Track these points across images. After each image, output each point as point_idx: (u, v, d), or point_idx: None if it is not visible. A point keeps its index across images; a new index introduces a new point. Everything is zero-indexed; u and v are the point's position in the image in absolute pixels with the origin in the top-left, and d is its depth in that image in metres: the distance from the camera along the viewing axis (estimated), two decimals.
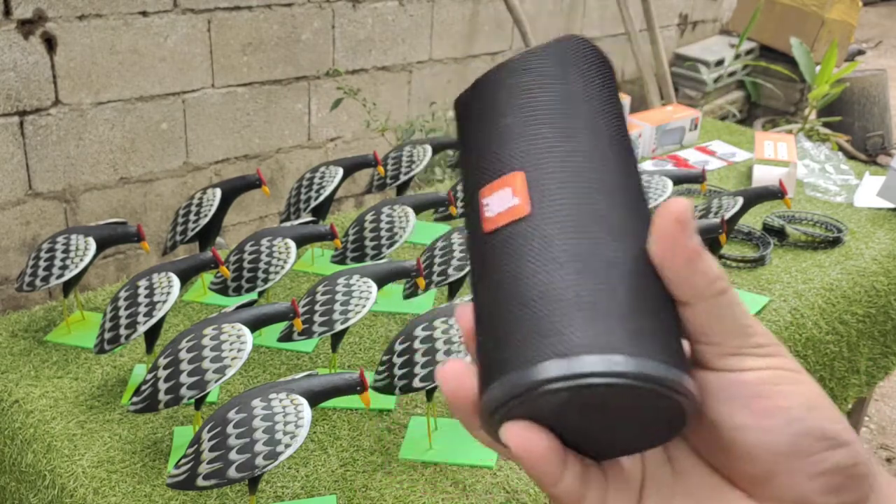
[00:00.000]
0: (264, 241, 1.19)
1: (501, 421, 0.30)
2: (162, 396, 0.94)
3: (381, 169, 1.45)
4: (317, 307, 1.07)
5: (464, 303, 0.35)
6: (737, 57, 3.99)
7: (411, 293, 1.24)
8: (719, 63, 4.06)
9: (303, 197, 1.40)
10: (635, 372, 0.28)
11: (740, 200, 1.37)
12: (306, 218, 1.35)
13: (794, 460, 0.31)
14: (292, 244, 1.18)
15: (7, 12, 2.04)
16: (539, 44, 0.34)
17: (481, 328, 0.32)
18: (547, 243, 0.30)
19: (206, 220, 1.28)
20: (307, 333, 1.07)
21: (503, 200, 0.31)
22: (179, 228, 1.30)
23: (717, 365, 0.32)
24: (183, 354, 0.94)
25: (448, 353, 0.96)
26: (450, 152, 1.69)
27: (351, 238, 1.31)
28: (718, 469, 0.33)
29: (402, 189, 1.51)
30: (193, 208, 1.30)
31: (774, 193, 1.39)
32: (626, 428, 0.31)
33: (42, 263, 1.16)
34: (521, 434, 0.29)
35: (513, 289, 0.30)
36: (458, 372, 0.32)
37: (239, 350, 0.93)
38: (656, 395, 0.29)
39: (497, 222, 0.31)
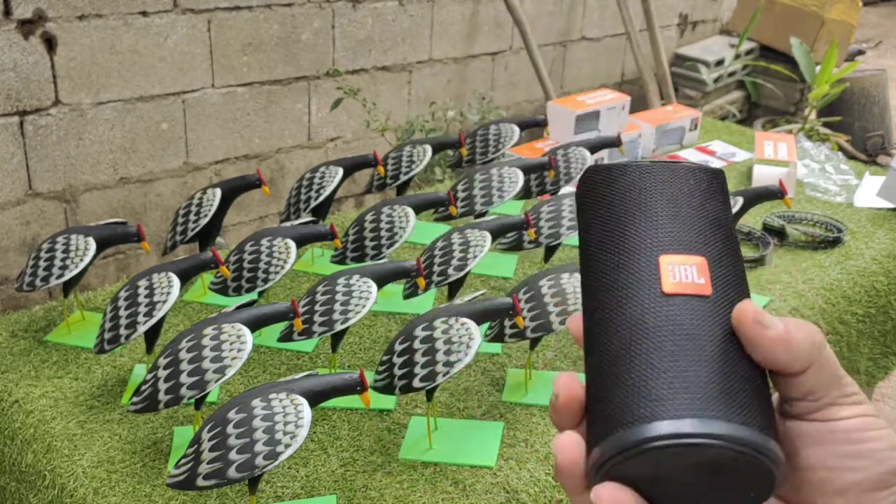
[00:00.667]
0: (264, 241, 1.19)
1: (604, 476, 0.34)
2: (162, 396, 0.94)
3: (381, 169, 1.45)
4: (317, 307, 1.07)
5: (576, 314, 0.41)
6: (737, 57, 3.99)
7: (411, 293, 1.24)
8: (719, 63, 4.06)
9: (303, 197, 1.40)
10: (732, 435, 0.32)
11: (740, 200, 1.37)
12: (306, 218, 1.35)
13: (877, 493, 0.36)
14: (292, 244, 1.18)
15: (7, 12, 2.04)
16: (698, 165, 0.42)
17: (604, 370, 0.36)
18: (714, 323, 0.36)
19: (206, 220, 1.28)
20: (307, 333, 1.07)
21: (688, 274, 0.37)
22: (179, 228, 1.30)
23: (815, 417, 0.37)
24: (183, 354, 0.94)
25: (448, 353, 0.96)
26: (450, 152, 1.69)
27: (351, 238, 1.31)
28: None
29: (402, 189, 1.51)
30: (193, 208, 1.30)
31: (774, 193, 1.39)
32: (717, 490, 0.35)
33: (42, 263, 1.16)
34: (611, 493, 0.34)
35: (656, 349, 0.35)
36: (572, 443, 0.36)
37: (239, 350, 0.93)
38: (749, 459, 0.33)
39: (680, 289, 0.37)
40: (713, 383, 0.34)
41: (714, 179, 0.41)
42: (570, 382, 0.37)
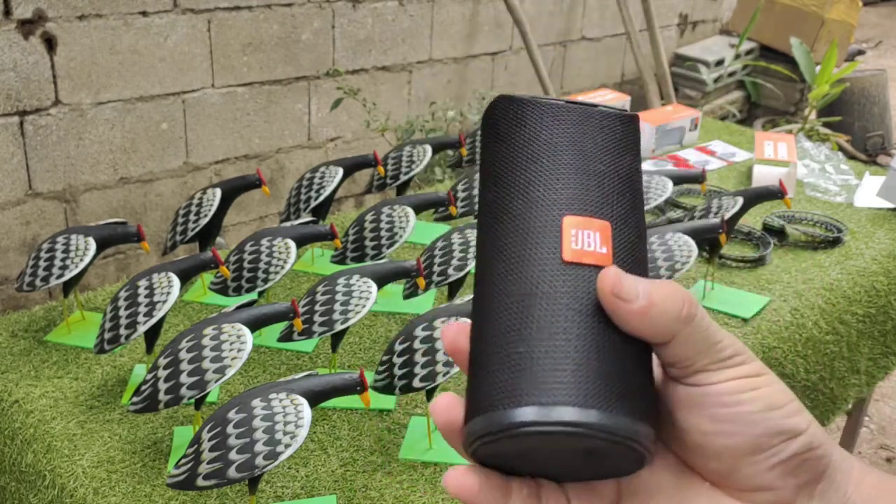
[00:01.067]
0: (264, 241, 1.19)
1: (476, 451, 0.34)
2: (162, 396, 0.94)
3: (381, 169, 1.45)
4: (317, 307, 1.07)
5: (450, 323, 0.39)
6: (737, 57, 3.99)
7: (411, 293, 1.24)
8: (719, 63, 4.06)
9: (303, 197, 1.40)
10: (599, 424, 0.32)
11: (740, 200, 1.37)
12: (306, 218, 1.35)
13: (754, 456, 0.35)
14: (292, 244, 1.18)
15: (7, 12, 2.04)
16: (612, 108, 0.39)
17: (486, 339, 0.35)
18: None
19: (206, 220, 1.28)
20: (307, 333, 1.07)
21: (590, 241, 0.35)
22: (179, 228, 1.30)
23: (688, 381, 0.36)
24: (183, 354, 0.94)
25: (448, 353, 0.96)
26: (450, 152, 1.69)
27: (351, 238, 1.31)
28: (690, 465, 0.38)
29: (402, 189, 1.51)
30: (193, 208, 1.30)
31: (774, 193, 1.39)
32: (589, 464, 0.35)
33: (42, 263, 1.16)
34: (457, 480, 0.35)
35: (538, 325, 0.34)
36: (446, 407, 0.36)
37: (239, 350, 0.93)
38: (618, 445, 0.33)
39: (580, 258, 0.35)
40: (589, 367, 0.33)
41: (629, 128, 0.39)
42: (457, 337, 0.37)
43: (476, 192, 1.41)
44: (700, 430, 0.36)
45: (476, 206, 1.41)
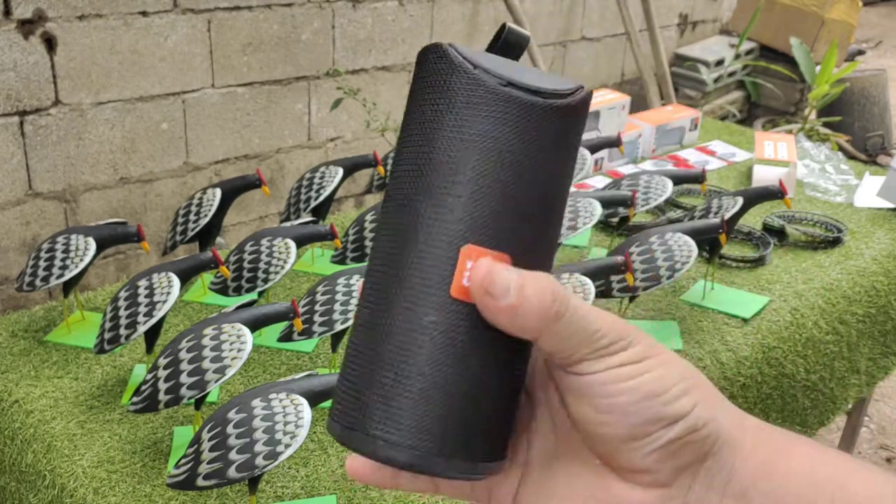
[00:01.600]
0: (264, 241, 1.19)
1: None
2: (162, 396, 0.94)
3: (381, 169, 1.45)
4: (317, 307, 1.07)
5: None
6: (737, 57, 3.99)
7: None
8: (719, 63, 4.06)
9: (303, 197, 1.40)
10: (432, 468, 0.34)
11: (740, 200, 1.37)
12: (306, 218, 1.35)
13: (632, 443, 0.36)
14: (292, 244, 1.18)
15: (7, 12, 2.04)
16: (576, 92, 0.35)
17: (362, 358, 0.35)
18: (484, 339, 0.34)
19: (206, 220, 1.27)
20: (307, 333, 1.07)
21: None
22: (179, 228, 1.30)
23: (570, 370, 0.36)
24: (183, 354, 0.94)
25: None
26: None
27: (351, 238, 1.31)
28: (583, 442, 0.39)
29: None
30: (193, 208, 1.30)
31: (774, 193, 1.39)
32: None
33: (42, 263, 1.16)
34: (353, 463, 0.38)
35: (410, 361, 0.33)
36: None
37: (239, 350, 0.93)
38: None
39: (467, 296, 0.34)
40: (435, 410, 0.33)
41: (571, 123, 0.35)
42: None
43: None
44: (583, 417, 0.36)
45: None
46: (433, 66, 0.34)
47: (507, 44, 0.35)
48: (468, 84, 0.33)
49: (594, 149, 1.59)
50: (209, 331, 0.95)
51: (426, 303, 0.33)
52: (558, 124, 0.34)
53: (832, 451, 0.38)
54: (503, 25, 0.36)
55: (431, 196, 0.33)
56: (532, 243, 0.35)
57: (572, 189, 1.67)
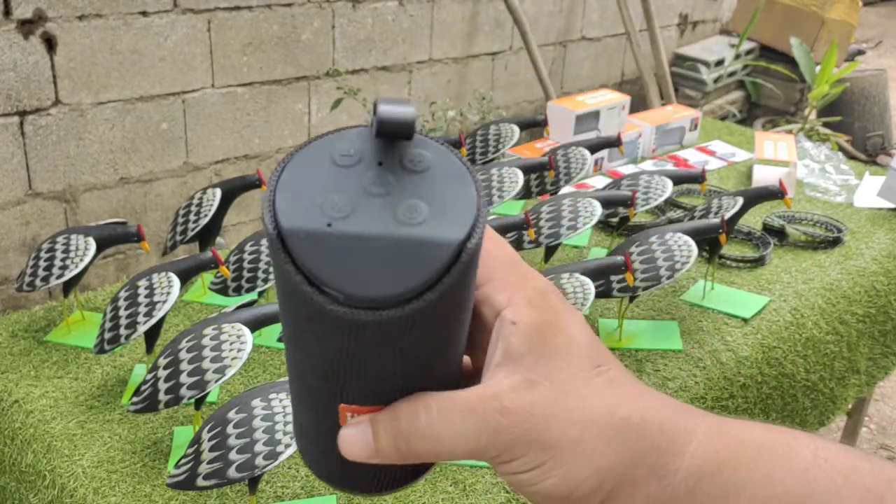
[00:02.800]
0: (264, 241, 1.19)
1: None
2: (162, 396, 0.94)
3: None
4: None
5: None
6: (737, 57, 3.99)
7: None
8: (719, 63, 4.06)
9: None
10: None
11: (740, 200, 1.37)
12: None
13: None
14: None
15: (7, 12, 2.04)
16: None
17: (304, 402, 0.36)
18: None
19: (206, 220, 1.27)
20: None
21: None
22: (179, 228, 1.30)
23: (499, 305, 0.35)
24: (183, 354, 0.94)
25: None
26: None
27: None
28: None
29: None
30: (193, 208, 1.30)
31: (774, 193, 1.39)
32: None
33: (42, 263, 1.16)
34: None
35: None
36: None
37: (239, 350, 0.93)
38: None
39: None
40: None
41: (449, 303, 0.30)
42: None
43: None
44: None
45: None
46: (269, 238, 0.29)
47: (387, 132, 0.30)
48: (302, 298, 0.29)
49: (594, 149, 1.59)
50: (209, 331, 0.95)
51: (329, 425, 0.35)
52: (414, 329, 0.29)
53: (795, 449, 0.36)
54: (374, 104, 0.30)
55: (297, 378, 0.34)
56: (407, 388, 0.33)
57: (572, 189, 1.67)
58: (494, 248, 0.35)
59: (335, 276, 0.27)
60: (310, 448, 0.37)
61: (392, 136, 0.30)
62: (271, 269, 1.17)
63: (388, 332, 0.29)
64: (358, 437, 0.33)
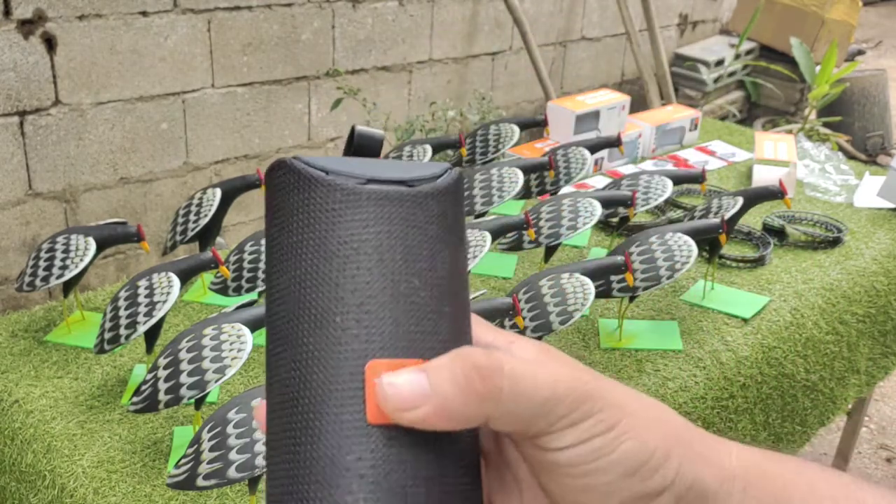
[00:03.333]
0: (264, 242, 1.19)
1: None
2: (162, 396, 0.94)
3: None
4: None
5: (261, 405, 0.32)
6: (737, 57, 3.99)
7: None
8: (719, 63, 4.06)
9: None
10: None
11: (740, 200, 1.37)
12: None
13: None
14: None
15: (7, 12, 2.04)
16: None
17: (282, 451, 0.30)
18: (416, 466, 0.29)
19: (206, 220, 1.27)
20: None
21: None
22: (179, 228, 1.30)
23: (532, 447, 0.31)
24: (183, 354, 0.94)
25: None
26: (449, 152, 1.69)
27: None
28: None
29: None
30: (193, 208, 1.30)
31: (774, 193, 1.39)
32: None
33: (42, 263, 1.16)
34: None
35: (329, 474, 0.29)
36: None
37: (239, 350, 0.93)
38: None
39: (385, 418, 0.29)
40: None
41: (449, 203, 0.32)
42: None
43: (476, 192, 1.41)
44: (558, 495, 0.32)
45: (476, 207, 1.41)
46: (283, 184, 0.31)
47: (360, 147, 0.34)
48: (325, 192, 0.30)
49: (594, 149, 1.59)
50: (209, 331, 0.95)
51: (345, 440, 0.29)
52: (434, 208, 0.31)
53: (831, 471, 0.35)
54: (352, 129, 0.34)
55: (317, 322, 0.30)
56: (442, 334, 0.31)
57: (572, 189, 1.67)
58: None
59: (368, 173, 0.31)
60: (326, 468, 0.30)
61: (367, 148, 0.34)
62: None
63: (413, 210, 0.31)
64: (410, 380, 0.28)
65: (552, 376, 0.30)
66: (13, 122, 2.13)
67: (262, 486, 0.95)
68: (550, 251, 1.37)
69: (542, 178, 1.54)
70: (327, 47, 2.72)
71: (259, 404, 0.32)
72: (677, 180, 1.52)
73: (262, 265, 1.18)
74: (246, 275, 1.18)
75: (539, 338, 1.10)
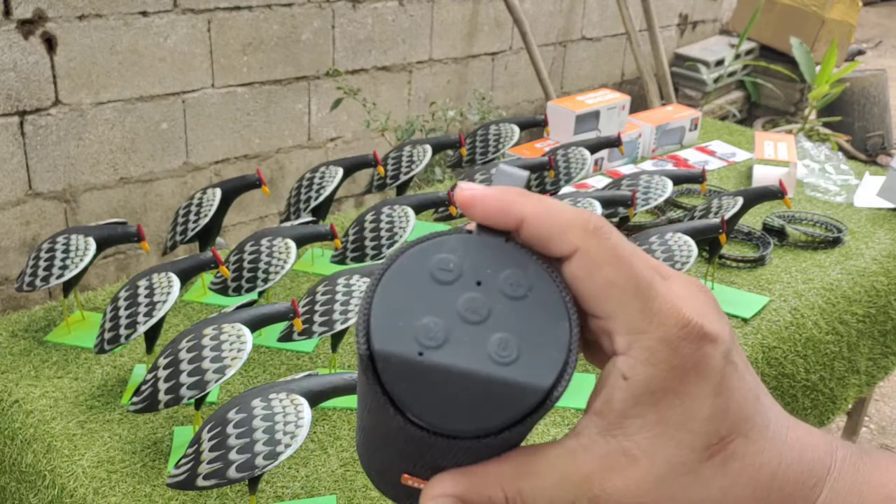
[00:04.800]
0: (264, 241, 1.19)
1: None
2: (162, 396, 0.94)
3: (381, 169, 1.45)
4: (317, 307, 1.07)
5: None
6: (737, 57, 3.99)
7: None
8: (719, 63, 4.06)
9: (303, 197, 1.40)
10: None
11: (740, 200, 1.37)
12: (306, 218, 1.35)
13: None
14: (292, 244, 1.18)
15: (7, 12, 2.04)
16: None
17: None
18: None
19: (206, 220, 1.27)
20: (307, 333, 1.07)
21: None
22: (179, 228, 1.30)
23: (617, 349, 0.30)
24: (183, 354, 0.94)
25: None
26: (449, 152, 1.69)
27: (351, 238, 1.31)
28: None
29: (402, 189, 1.51)
30: (193, 208, 1.30)
31: (774, 193, 1.39)
32: None
33: (42, 263, 1.16)
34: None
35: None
36: None
37: (239, 350, 0.93)
38: None
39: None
40: None
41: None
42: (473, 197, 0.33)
43: None
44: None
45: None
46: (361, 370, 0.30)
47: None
48: (384, 415, 0.30)
49: (594, 149, 1.58)
50: (209, 331, 0.95)
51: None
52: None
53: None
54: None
55: (365, 437, 0.34)
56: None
57: (572, 189, 1.67)
58: (616, 273, 0.29)
59: (418, 405, 0.28)
60: (375, 476, 0.35)
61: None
62: (271, 269, 1.17)
63: (460, 452, 0.30)
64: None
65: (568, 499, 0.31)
66: (13, 122, 2.13)
67: (262, 486, 0.95)
68: None
69: (543, 178, 1.54)
70: (327, 47, 2.72)
71: None
72: (677, 180, 1.52)
73: (262, 265, 1.18)
74: (246, 275, 1.18)
75: None
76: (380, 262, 1.18)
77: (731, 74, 4.13)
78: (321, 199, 1.38)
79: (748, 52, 4.16)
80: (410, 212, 1.29)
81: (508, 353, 0.28)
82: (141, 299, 1.06)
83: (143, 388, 0.96)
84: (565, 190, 1.56)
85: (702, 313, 0.30)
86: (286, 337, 1.10)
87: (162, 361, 0.95)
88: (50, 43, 2.13)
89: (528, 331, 0.29)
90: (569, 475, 0.30)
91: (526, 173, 0.32)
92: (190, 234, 1.28)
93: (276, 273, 1.17)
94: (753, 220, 1.64)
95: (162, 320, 1.07)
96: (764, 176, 1.80)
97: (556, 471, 0.30)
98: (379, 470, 0.34)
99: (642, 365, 0.29)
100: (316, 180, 1.40)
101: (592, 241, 0.29)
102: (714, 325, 0.30)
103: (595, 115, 1.89)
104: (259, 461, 0.83)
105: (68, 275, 1.14)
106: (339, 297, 1.07)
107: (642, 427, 0.29)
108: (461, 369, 0.28)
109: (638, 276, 0.29)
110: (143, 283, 1.07)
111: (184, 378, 0.93)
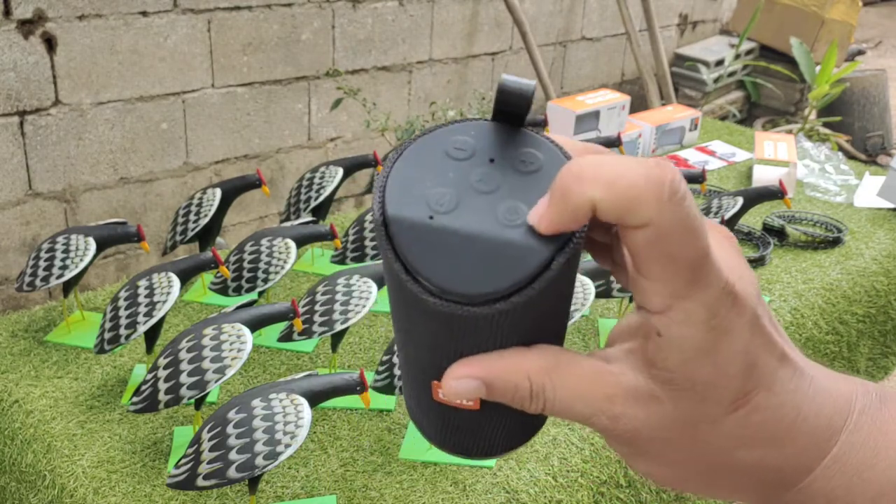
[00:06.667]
0: (264, 241, 1.19)
1: None
2: (162, 396, 0.94)
3: (381, 169, 1.45)
4: (317, 307, 1.07)
5: None
6: (737, 57, 3.99)
7: None
8: (719, 63, 4.06)
9: (303, 197, 1.40)
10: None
11: (740, 200, 1.37)
12: (306, 218, 1.35)
13: None
14: (292, 244, 1.18)
15: (7, 12, 2.04)
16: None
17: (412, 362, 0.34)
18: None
19: (206, 220, 1.28)
20: (307, 333, 1.07)
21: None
22: (179, 228, 1.30)
23: (652, 307, 0.29)
24: (183, 354, 0.94)
25: None
26: None
27: (351, 238, 1.31)
28: None
29: None
30: (193, 208, 1.30)
31: (774, 193, 1.39)
32: None
33: (42, 263, 1.16)
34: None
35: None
36: None
37: (239, 350, 0.93)
38: None
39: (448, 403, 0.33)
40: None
41: (532, 305, 0.29)
42: None
43: None
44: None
45: None
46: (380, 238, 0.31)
47: (505, 104, 0.32)
48: (400, 283, 0.30)
49: None
50: (209, 331, 0.95)
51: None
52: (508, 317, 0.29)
53: None
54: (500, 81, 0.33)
55: (401, 344, 0.34)
56: None
57: None
58: (680, 249, 0.28)
59: (429, 267, 0.29)
60: (415, 411, 0.36)
61: (508, 110, 0.32)
62: (271, 269, 1.17)
63: (476, 325, 0.29)
64: (464, 377, 0.30)
65: (589, 410, 0.31)
66: (13, 122, 2.13)
67: (262, 486, 0.95)
68: None
69: None
70: (327, 47, 2.72)
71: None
72: None
73: (262, 265, 1.18)
74: (246, 275, 1.18)
75: None
76: (380, 261, 1.18)
77: (731, 74, 4.13)
78: (321, 199, 1.38)
79: (748, 52, 4.16)
80: None
81: (516, 217, 0.29)
82: (141, 299, 1.06)
83: (143, 388, 0.96)
84: None
85: (736, 274, 0.30)
86: (286, 337, 1.10)
87: (162, 361, 0.95)
88: (50, 43, 2.13)
89: (537, 200, 0.29)
90: (594, 390, 0.30)
91: (532, 82, 0.32)
92: (190, 234, 1.28)
93: (276, 273, 1.17)
94: (753, 220, 1.64)
95: (162, 320, 1.07)
96: (764, 176, 1.80)
97: (585, 379, 0.30)
98: (416, 390, 0.34)
99: (678, 326, 0.29)
100: (316, 180, 1.40)
101: (666, 213, 0.27)
102: (745, 284, 0.30)
103: (595, 115, 1.89)
104: (259, 461, 0.83)
105: (68, 275, 1.14)
106: (339, 297, 1.07)
107: (670, 380, 0.30)
108: (470, 231, 0.29)
109: (698, 251, 0.28)
110: (143, 283, 1.07)
111: (184, 378, 0.93)
